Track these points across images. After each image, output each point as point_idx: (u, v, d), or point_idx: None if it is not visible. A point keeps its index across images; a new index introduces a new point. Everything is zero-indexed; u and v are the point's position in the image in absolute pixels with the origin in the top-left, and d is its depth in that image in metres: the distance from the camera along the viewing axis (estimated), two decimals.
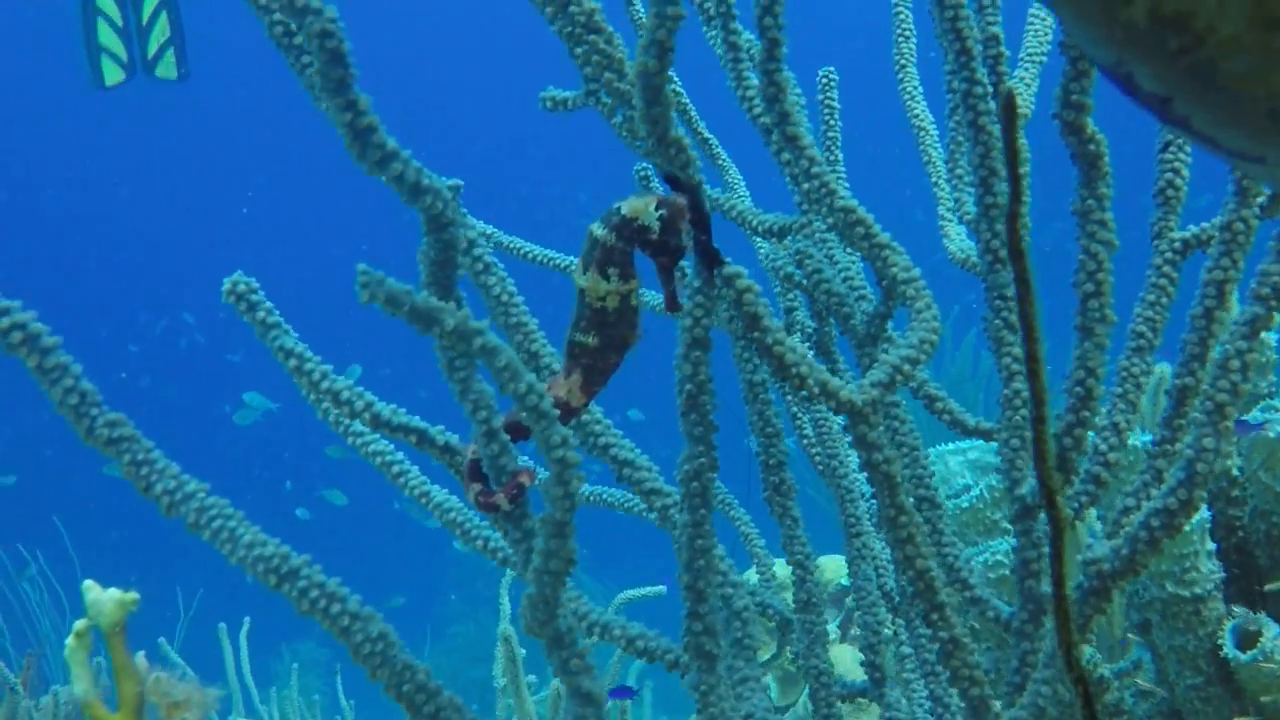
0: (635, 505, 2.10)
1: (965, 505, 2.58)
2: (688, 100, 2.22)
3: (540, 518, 1.15)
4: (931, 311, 1.46)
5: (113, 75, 5.90)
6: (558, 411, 1.11)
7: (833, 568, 3.84)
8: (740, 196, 2.30)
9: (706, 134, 2.24)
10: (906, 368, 1.42)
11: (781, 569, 3.87)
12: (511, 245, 2.14)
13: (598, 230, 1.29)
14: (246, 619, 4.10)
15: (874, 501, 1.66)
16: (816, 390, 1.38)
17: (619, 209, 1.29)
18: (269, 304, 1.47)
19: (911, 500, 1.66)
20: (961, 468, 2.76)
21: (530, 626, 1.23)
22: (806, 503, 1.98)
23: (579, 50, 1.45)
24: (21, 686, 3.27)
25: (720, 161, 2.30)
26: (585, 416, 1.63)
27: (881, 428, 1.50)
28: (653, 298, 2.10)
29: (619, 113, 1.53)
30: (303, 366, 1.45)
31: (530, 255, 2.22)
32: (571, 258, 2.29)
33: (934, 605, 1.50)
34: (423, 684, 1.19)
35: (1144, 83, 0.64)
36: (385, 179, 1.15)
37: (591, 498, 2.19)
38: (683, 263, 1.41)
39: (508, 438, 1.37)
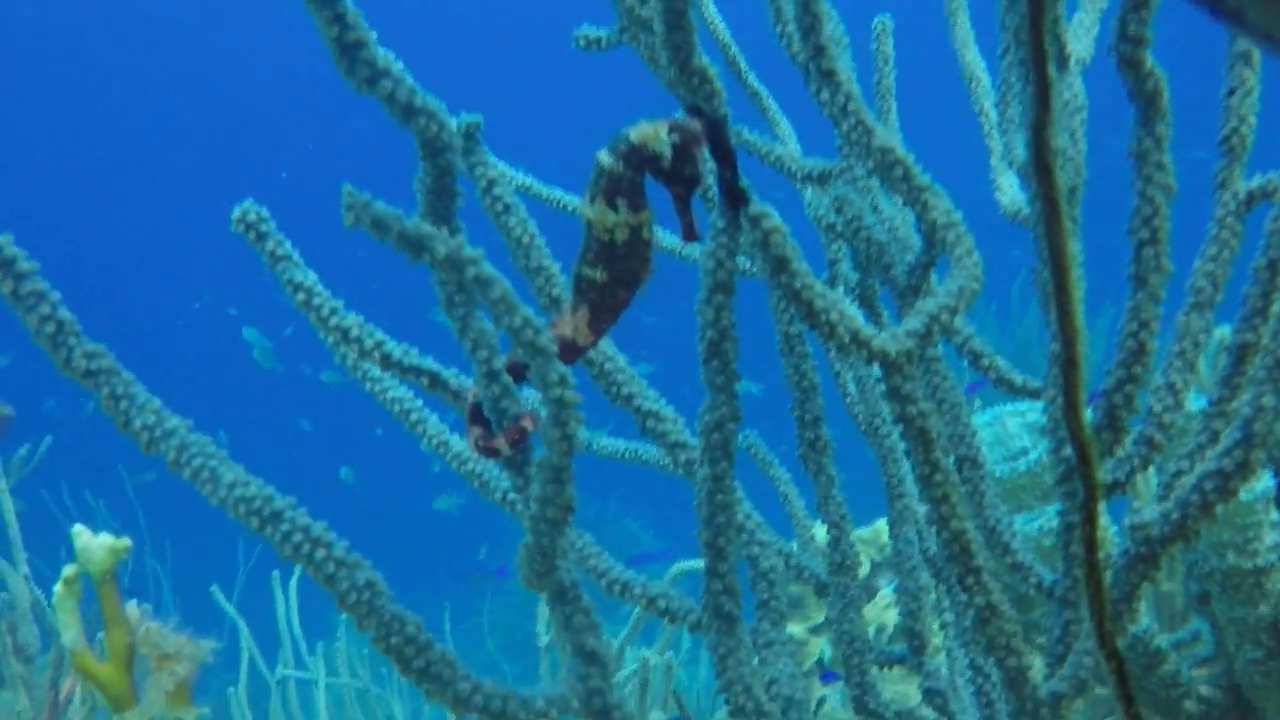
0: (656, 458, 2.02)
1: (1022, 469, 2.48)
2: (736, 50, 2.13)
3: (537, 461, 1.08)
4: (973, 258, 1.37)
5: None
6: (556, 347, 1.04)
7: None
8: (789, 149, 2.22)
9: (756, 85, 2.15)
10: (945, 317, 1.33)
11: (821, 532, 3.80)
12: (533, 188, 2.06)
13: (604, 158, 1.21)
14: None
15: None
16: (847, 338, 1.29)
17: (627, 135, 1.21)
18: (279, 235, 1.41)
19: (952, 460, 1.58)
20: (1020, 430, 2.66)
21: (528, 578, 1.16)
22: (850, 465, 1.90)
23: None
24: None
25: (771, 114, 2.21)
26: (607, 364, 1.56)
27: (918, 380, 1.42)
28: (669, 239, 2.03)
29: (641, 41, 1.44)
30: (311, 300, 1.38)
31: (555, 201, 2.14)
32: None
33: (969, 569, 1.41)
34: (412, 636, 1.12)
35: (1257, 19, 0.57)
36: (377, 98, 1.07)
37: (609, 450, 2.11)
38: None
39: (510, 379, 1.30)
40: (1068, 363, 0.81)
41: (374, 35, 1.05)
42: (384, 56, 1.05)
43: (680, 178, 1.22)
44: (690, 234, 1.29)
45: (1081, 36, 1.98)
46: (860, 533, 3.75)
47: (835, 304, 1.29)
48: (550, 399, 1.03)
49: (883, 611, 3.40)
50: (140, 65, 20.44)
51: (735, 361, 1.31)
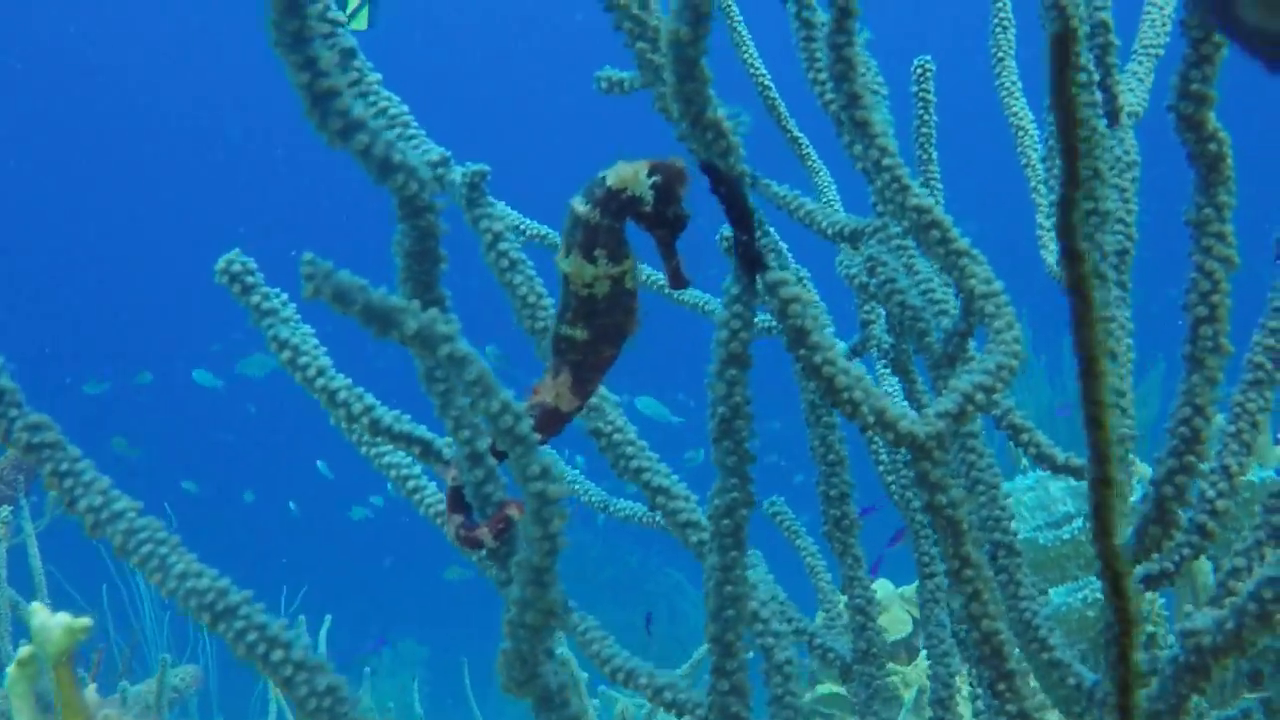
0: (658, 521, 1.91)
1: (1066, 537, 2.35)
2: (776, 94, 2.03)
3: (516, 561, 0.97)
4: (1013, 332, 1.25)
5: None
6: (537, 436, 0.92)
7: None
8: (826, 201, 2.11)
9: (796, 131, 2.04)
10: (980, 397, 1.21)
11: (882, 590, 3.66)
12: (548, 238, 1.96)
13: (579, 206, 1.10)
14: (328, 617, 3.99)
15: None
16: (871, 419, 1.18)
17: (603, 179, 1.10)
18: (266, 288, 1.31)
19: (986, 547, 1.46)
20: (1063, 494, 2.53)
21: (508, 685, 1.05)
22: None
23: (612, 16, 1.27)
24: (91, 681, 3.15)
25: (810, 163, 2.10)
26: (616, 435, 1.44)
27: (949, 465, 1.30)
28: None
29: (653, 89, 1.34)
30: (296, 360, 1.28)
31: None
32: None
33: (1001, 674, 1.29)
34: None
35: (1246, 13, 0.48)
36: (351, 153, 0.97)
37: (626, 514, 2.00)
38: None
39: (495, 462, 1.19)
40: (1099, 482, 0.70)
41: (348, 83, 0.95)
42: (360, 107, 0.95)
43: (664, 221, 1.12)
44: (678, 280, 1.18)
45: (1135, 87, 1.87)
46: (903, 590, 3.62)
47: (859, 381, 1.18)
48: (531, 494, 0.92)
49: (924, 673, 3.26)
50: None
51: (750, 440, 1.20)
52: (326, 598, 5.49)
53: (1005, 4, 1.98)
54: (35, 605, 1.25)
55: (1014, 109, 2.06)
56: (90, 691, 1.27)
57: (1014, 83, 2.07)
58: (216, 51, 19.09)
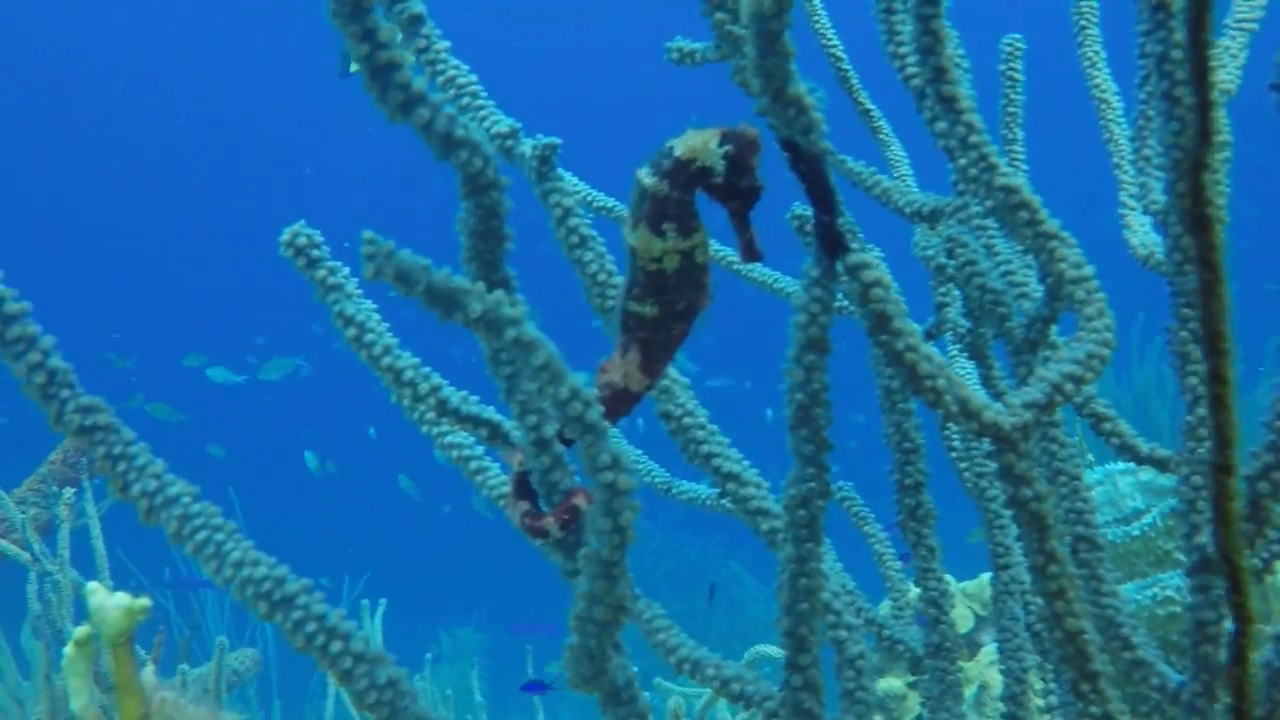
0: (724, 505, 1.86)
1: (1136, 533, 2.29)
2: (848, 64, 1.97)
3: (584, 554, 0.93)
4: (1104, 320, 1.20)
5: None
6: (608, 425, 0.88)
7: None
8: (900, 176, 2.05)
9: (868, 103, 1.98)
10: (1069, 387, 1.16)
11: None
12: (615, 210, 1.91)
13: (646, 178, 1.04)
14: (383, 601, 3.97)
15: None
16: (955, 409, 1.13)
17: (671, 149, 1.04)
18: (332, 262, 1.27)
19: (1067, 541, 1.40)
20: (1133, 489, 2.47)
21: (575, 681, 1.01)
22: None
23: None
24: (151, 663, 3.16)
25: (883, 135, 2.04)
26: (687, 419, 1.40)
27: (1032, 458, 1.24)
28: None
29: (732, 60, 1.29)
30: (363, 337, 1.24)
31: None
32: None
33: (1085, 674, 1.24)
34: None
35: None
36: (412, 128, 0.93)
37: (689, 496, 1.96)
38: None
39: (562, 448, 1.15)
40: (1220, 468, 0.65)
41: (415, 49, 0.91)
42: (420, 81, 0.91)
43: (736, 192, 1.06)
44: (751, 253, 1.13)
45: (1227, 63, 1.80)
46: (965, 586, 3.56)
47: (942, 369, 1.13)
48: (601, 484, 0.88)
49: (985, 669, 3.20)
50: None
51: (827, 428, 1.15)
52: (386, 584, 5.49)
53: None
54: (93, 585, 1.22)
55: (1097, 81, 1.99)
56: (148, 673, 1.24)
57: (1097, 53, 1.99)
58: (266, 56, 19.10)
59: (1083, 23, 1.98)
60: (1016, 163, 1.87)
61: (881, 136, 2.06)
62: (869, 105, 1.98)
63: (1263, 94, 1.28)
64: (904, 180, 2.07)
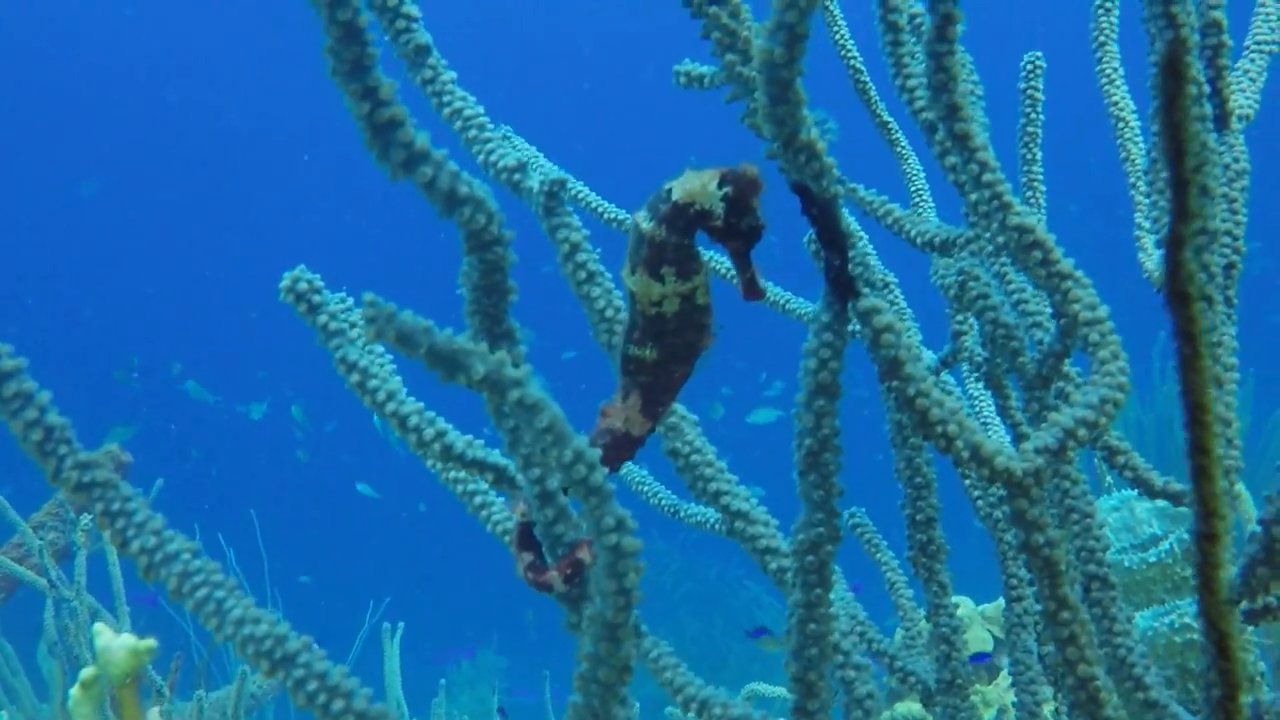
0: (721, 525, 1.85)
1: (1153, 560, 2.28)
2: (866, 76, 1.95)
3: (589, 615, 0.92)
4: (1119, 363, 1.18)
5: None
6: (612, 488, 0.87)
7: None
8: (916, 190, 2.04)
9: (885, 115, 1.97)
10: (1083, 432, 1.15)
11: (963, 608, 3.59)
12: (619, 220, 1.91)
13: (643, 223, 1.03)
14: (401, 624, 3.96)
15: None
16: (966, 455, 1.12)
17: (668, 192, 1.02)
18: (333, 307, 1.26)
19: (1079, 583, 1.39)
20: (1150, 515, 2.45)
21: None
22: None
23: (701, 23, 1.21)
24: (169, 689, 3.15)
25: (899, 149, 2.03)
26: (695, 457, 1.39)
27: (1045, 503, 1.23)
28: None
29: (742, 102, 1.28)
30: (366, 384, 1.24)
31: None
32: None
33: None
34: None
35: None
36: (415, 186, 0.92)
37: (698, 520, 1.94)
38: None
39: (565, 500, 1.14)
40: (1204, 536, 0.64)
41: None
42: (423, 139, 0.90)
43: (737, 233, 1.05)
44: (752, 291, 1.11)
45: (1246, 87, 1.78)
46: (984, 609, 3.54)
47: (953, 414, 1.12)
48: (605, 546, 0.87)
49: (1005, 693, 3.19)
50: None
51: (837, 474, 1.14)
52: (405, 609, 5.48)
53: None
54: (99, 626, 1.22)
55: (1115, 98, 1.96)
56: (154, 714, 1.24)
57: (1115, 69, 1.96)
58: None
59: (1101, 39, 1.95)
60: (1035, 183, 1.85)
61: (899, 149, 2.04)
62: (887, 118, 1.97)
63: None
64: (920, 195, 2.06)
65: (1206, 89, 1.40)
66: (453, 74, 1.33)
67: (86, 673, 1.22)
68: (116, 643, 1.21)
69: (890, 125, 1.98)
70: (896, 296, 1.94)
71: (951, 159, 1.38)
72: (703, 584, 8.65)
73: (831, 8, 1.94)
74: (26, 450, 0.93)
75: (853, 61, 1.94)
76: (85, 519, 3.18)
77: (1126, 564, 2.28)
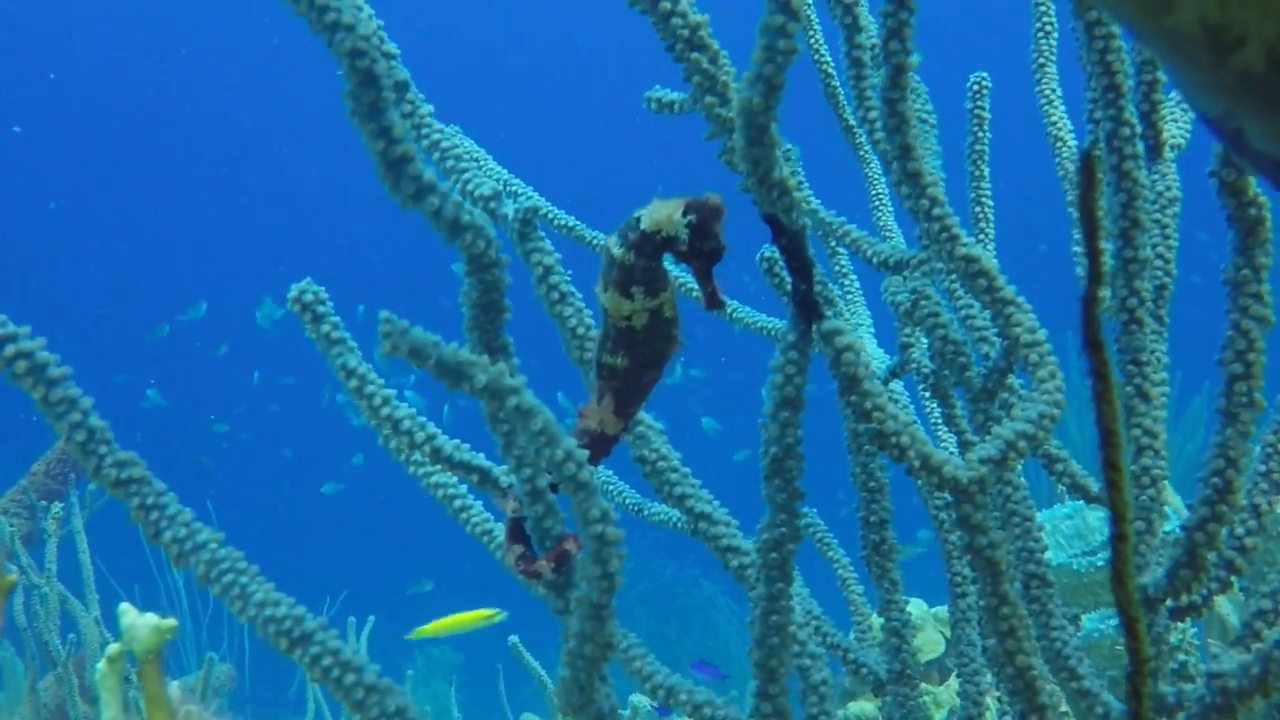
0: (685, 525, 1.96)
1: (1101, 564, 2.40)
2: (837, 81, 2.06)
3: (576, 597, 1.02)
4: (1055, 382, 1.30)
5: None
6: (599, 483, 0.98)
7: None
8: (876, 194, 2.15)
9: (851, 120, 2.07)
10: (1022, 444, 1.26)
11: (916, 610, 3.69)
12: (569, 227, 2.01)
13: (615, 249, 1.13)
14: (370, 618, 4.03)
15: None
16: (917, 464, 1.23)
17: (637, 221, 1.13)
18: (336, 317, 1.36)
19: (1019, 582, 1.51)
20: (1101, 523, 2.58)
21: (564, 709, 1.11)
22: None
23: (682, 66, 1.31)
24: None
25: (862, 153, 2.14)
26: (661, 463, 1.50)
27: (988, 508, 1.35)
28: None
29: (720, 140, 1.38)
30: (363, 389, 1.33)
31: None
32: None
33: (1034, 706, 1.35)
34: None
35: (1256, 140, 0.51)
36: (422, 214, 1.03)
37: (661, 519, 2.05)
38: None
39: (554, 498, 1.25)
40: (1117, 538, 0.75)
41: (417, 149, 1.00)
42: (430, 172, 1.00)
43: (700, 254, 1.16)
44: (714, 303, 1.22)
45: (1178, 118, 1.90)
46: (938, 610, 3.66)
47: (906, 427, 1.23)
48: (592, 536, 0.98)
49: (955, 695, 3.31)
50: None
51: (799, 479, 1.25)
52: (361, 601, 5.54)
53: (1049, 9, 1.99)
54: (124, 606, 1.32)
55: (1053, 118, 2.05)
56: (174, 688, 1.33)
57: (1054, 90, 2.06)
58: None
59: (1040, 60, 2.06)
60: (983, 199, 1.96)
61: (861, 154, 2.15)
62: (852, 122, 2.07)
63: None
64: (880, 199, 2.17)
65: (1139, 127, 1.51)
66: (430, 107, 1.43)
67: (112, 648, 1.32)
68: (140, 620, 1.31)
69: (855, 130, 2.08)
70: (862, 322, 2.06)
71: (905, 189, 1.49)
72: (658, 584, 8.76)
73: (809, 13, 2.05)
74: (69, 449, 1.02)
75: (824, 66, 2.04)
76: (56, 507, 3.25)
77: (1075, 567, 2.40)
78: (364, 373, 1.33)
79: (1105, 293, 1.57)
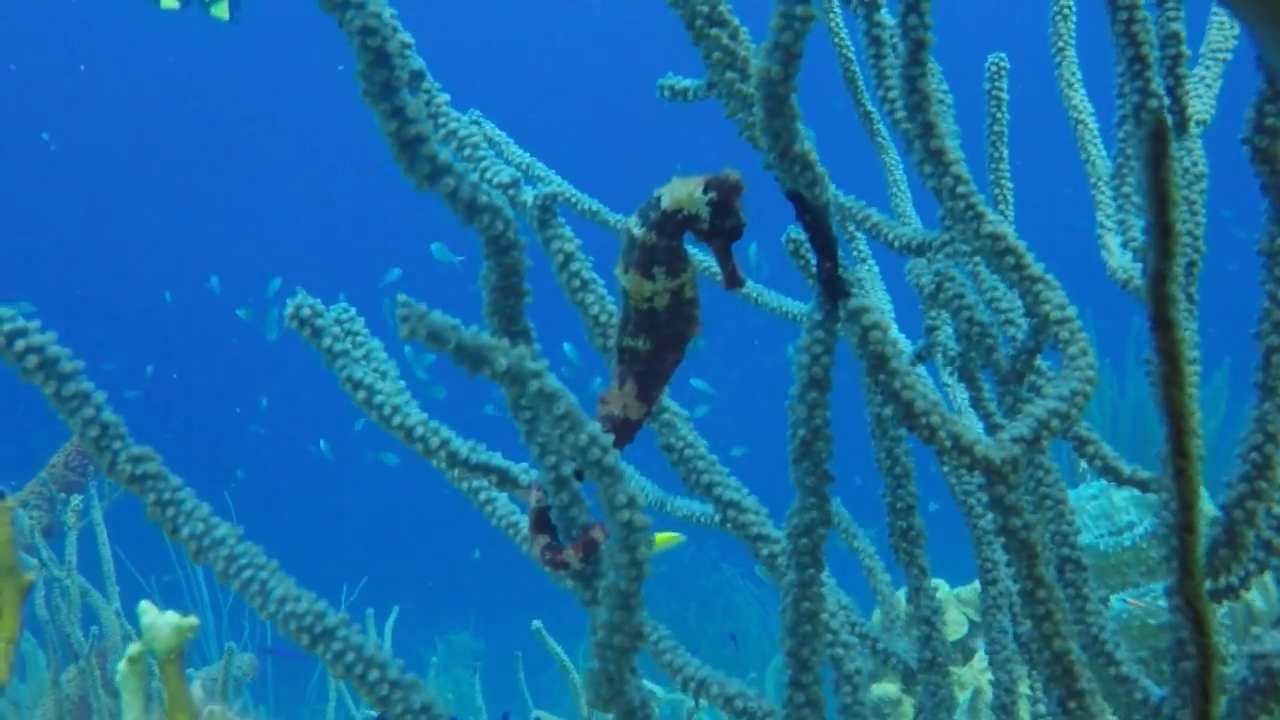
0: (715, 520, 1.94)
1: (1128, 544, 2.37)
2: (856, 66, 2.03)
3: (604, 586, 1.00)
4: (1087, 359, 1.27)
5: (169, 1, 6.25)
6: (624, 467, 0.96)
7: None
8: (894, 181, 2.12)
9: (869, 106, 2.05)
10: (1055, 423, 1.23)
11: (939, 591, 3.67)
12: (593, 211, 1.99)
13: (635, 229, 1.11)
14: (395, 608, 4.02)
15: None
16: (948, 444, 1.20)
17: (658, 200, 1.10)
18: (335, 329, 1.33)
19: (1054, 565, 1.48)
20: (1127, 504, 2.55)
21: (594, 701, 1.09)
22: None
23: (701, 44, 1.29)
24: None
25: (880, 140, 2.11)
26: (688, 451, 1.47)
27: (1021, 489, 1.32)
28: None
29: (740, 117, 1.35)
30: (372, 399, 1.31)
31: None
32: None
33: (1072, 692, 1.31)
34: None
35: None
36: (438, 195, 1.00)
37: (685, 514, 2.03)
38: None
39: (579, 485, 1.22)
40: (1183, 528, 0.72)
41: (432, 129, 0.98)
42: (445, 152, 0.98)
43: (721, 232, 1.13)
44: (733, 281, 1.20)
45: (1203, 93, 1.87)
46: (960, 592, 3.64)
47: (936, 406, 1.20)
48: (619, 522, 0.95)
49: (980, 674, 3.28)
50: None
51: (828, 461, 1.23)
52: (383, 590, 5.52)
53: None
54: (144, 605, 1.30)
55: (1074, 101, 2.03)
56: (197, 687, 1.32)
57: (1074, 74, 2.04)
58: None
59: (1060, 44, 2.03)
60: (1003, 181, 1.93)
61: (879, 140, 2.12)
62: (870, 108, 2.05)
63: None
64: (898, 185, 2.14)
65: (1166, 100, 1.48)
66: (446, 96, 1.40)
67: (133, 648, 1.30)
68: (161, 619, 1.29)
69: (873, 115, 2.05)
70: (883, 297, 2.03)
71: (928, 168, 1.46)
72: (676, 566, 8.74)
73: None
74: (83, 445, 1.00)
75: (844, 50, 2.01)
76: (76, 500, 3.24)
77: (1102, 547, 2.37)
78: (370, 383, 1.31)
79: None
